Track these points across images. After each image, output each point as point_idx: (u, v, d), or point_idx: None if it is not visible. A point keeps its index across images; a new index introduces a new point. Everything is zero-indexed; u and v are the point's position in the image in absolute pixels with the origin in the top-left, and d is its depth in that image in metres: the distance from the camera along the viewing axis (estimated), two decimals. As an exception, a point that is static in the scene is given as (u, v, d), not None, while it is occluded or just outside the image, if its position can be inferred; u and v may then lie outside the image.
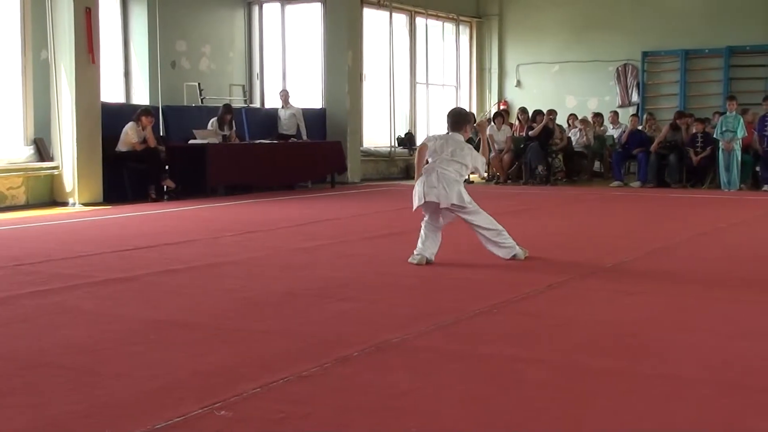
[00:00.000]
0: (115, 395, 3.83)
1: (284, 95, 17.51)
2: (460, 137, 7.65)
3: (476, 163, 7.74)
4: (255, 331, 5.04)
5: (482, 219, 7.52)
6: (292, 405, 3.68)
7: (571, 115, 20.05)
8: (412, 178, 19.81)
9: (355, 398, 3.80)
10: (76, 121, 13.20)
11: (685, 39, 20.67)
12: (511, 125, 19.36)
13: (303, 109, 17.60)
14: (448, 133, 7.74)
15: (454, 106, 8.16)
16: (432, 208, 7.49)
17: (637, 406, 3.69)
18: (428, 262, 7.36)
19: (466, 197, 7.43)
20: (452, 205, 7.37)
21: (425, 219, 7.57)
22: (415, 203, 7.54)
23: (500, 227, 7.57)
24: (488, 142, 8.06)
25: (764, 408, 3.70)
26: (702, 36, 20.45)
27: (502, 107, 21.89)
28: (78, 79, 13.20)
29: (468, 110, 7.91)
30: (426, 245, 7.43)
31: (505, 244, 7.53)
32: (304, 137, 17.15)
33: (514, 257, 7.50)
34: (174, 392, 3.86)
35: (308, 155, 16.57)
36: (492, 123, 18.98)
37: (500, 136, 18.33)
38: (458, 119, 7.78)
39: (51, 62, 13.34)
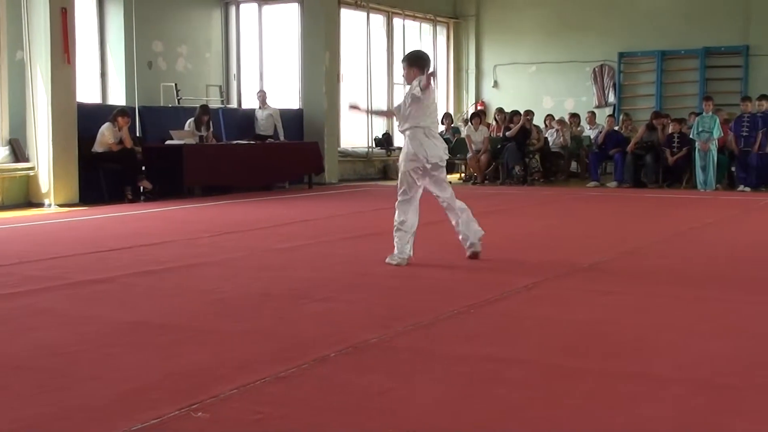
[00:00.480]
0: (89, 398, 3.81)
1: (261, 96, 17.47)
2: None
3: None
4: (232, 332, 5.03)
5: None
6: (270, 406, 3.68)
7: (548, 115, 20.11)
8: (391, 179, 19.83)
9: (332, 399, 3.79)
10: (51, 122, 13.12)
11: (661, 40, 20.79)
12: (488, 126, 19.39)
13: (280, 110, 17.57)
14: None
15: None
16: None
17: (612, 405, 3.71)
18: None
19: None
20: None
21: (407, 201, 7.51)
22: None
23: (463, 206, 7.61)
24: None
25: (737, 407, 3.72)
26: (678, 37, 20.57)
27: (479, 108, 21.93)
28: (54, 80, 13.12)
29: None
30: (407, 244, 7.42)
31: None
32: (282, 138, 17.13)
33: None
34: (150, 394, 3.84)
35: (285, 156, 16.53)
36: (470, 123, 19.04)
37: (477, 136, 18.35)
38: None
39: (26, 63, 13.25)
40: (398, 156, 20.13)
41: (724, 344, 4.74)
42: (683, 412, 3.61)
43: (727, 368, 4.27)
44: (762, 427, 3.49)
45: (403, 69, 7.54)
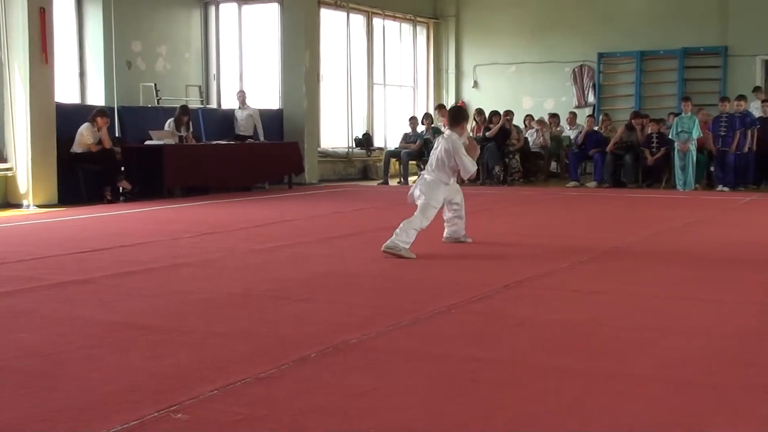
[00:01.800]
0: (70, 399, 3.80)
1: (241, 96, 17.43)
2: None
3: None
4: (212, 332, 5.02)
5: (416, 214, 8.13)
6: (250, 407, 3.67)
7: (527, 115, 20.17)
8: (370, 179, 19.85)
9: (313, 399, 3.79)
10: (30, 122, 13.06)
11: (640, 40, 20.88)
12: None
13: (260, 110, 17.54)
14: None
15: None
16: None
17: (592, 404, 3.73)
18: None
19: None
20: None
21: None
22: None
23: (416, 227, 7.92)
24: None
25: (717, 405, 3.74)
26: (657, 38, 20.68)
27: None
28: (32, 80, 13.06)
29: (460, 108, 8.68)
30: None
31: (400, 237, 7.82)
32: (261, 138, 17.10)
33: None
34: (130, 395, 3.83)
35: (265, 156, 16.51)
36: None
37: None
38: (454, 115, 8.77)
39: (4, 62, 13.18)
40: (378, 156, 20.14)
41: (705, 343, 4.78)
42: (665, 411, 3.63)
43: (707, 367, 4.30)
44: (742, 425, 3.52)
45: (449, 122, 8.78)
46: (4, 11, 13.11)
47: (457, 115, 8.81)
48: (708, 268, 7.41)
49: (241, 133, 17.06)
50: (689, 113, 16.08)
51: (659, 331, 5.07)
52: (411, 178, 19.14)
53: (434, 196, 8.16)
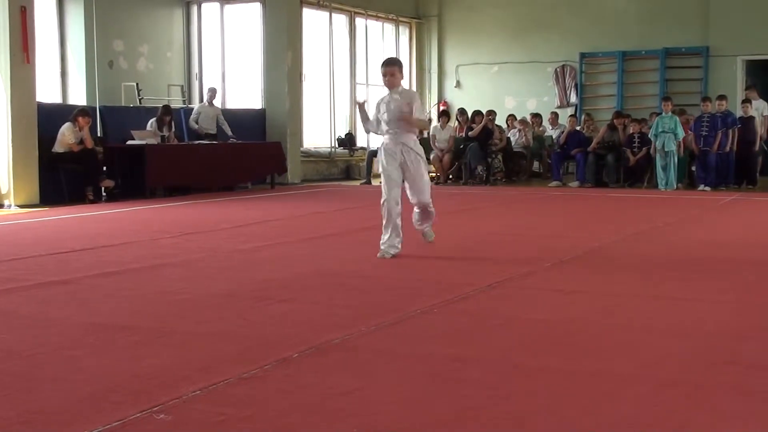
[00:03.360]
0: (50, 401, 3.78)
1: (212, 93, 17.16)
2: None
3: None
4: (194, 333, 5.01)
5: None
6: (233, 407, 3.66)
7: (510, 115, 20.21)
8: (353, 179, 19.82)
9: (296, 399, 3.79)
10: (11, 122, 12.99)
11: (622, 41, 20.96)
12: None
13: (242, 110, 17.44)
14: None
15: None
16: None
17: (575, 404, 3.73)
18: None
19: None
20: None
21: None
22: None
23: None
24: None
25: (699, 404, 3.76)
26: (639, 38, 20.77)
27: (441, 108, 21.99)
28: (13, 79, 12.99)
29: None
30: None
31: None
32: (230, 134, 16.86)
33: None
34: (112, 396, 3.81)
35: (248, 156, 16.47)
36: (437, 122, 19.15)
37: (443, 135, 18.42)
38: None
39: (-15, 62, 13.12)
40: (361, 155, 20.10)
41: (685, 343, 4.79)
42: (646, 411, 3.64)
43: (688, 366, 4.31)
44: (723, 423, 3.53)
45: (389, 73, 7.97)
46: (-16, 10, 13.04)
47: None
48: (688, 268, 7.43)
49: (208, 131, 16.77)
50: (669, 113, 16.14)
51: (641, 330, 5.09)
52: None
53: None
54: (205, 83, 18.84)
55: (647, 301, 6.00)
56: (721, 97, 16.44)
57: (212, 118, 16.86)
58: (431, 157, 18.50)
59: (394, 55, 8.49)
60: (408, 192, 7.99)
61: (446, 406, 3.70)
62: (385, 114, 7.89)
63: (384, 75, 7.94)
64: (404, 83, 7.85)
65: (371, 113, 8.02)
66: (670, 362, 4.38)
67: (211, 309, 5.72)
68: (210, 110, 16.93)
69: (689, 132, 16.58)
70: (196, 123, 16.67)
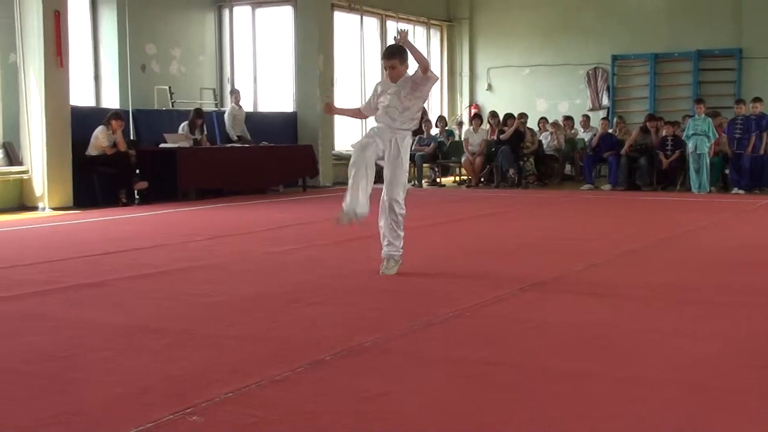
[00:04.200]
0: (84, 402, 3.81)
1: (237, 95, 17.11)
2: None
3: None
4: (226, 335, 5.03)
5: None
6: (264, 409, 3.68)
7: (541, 118, 20.15)
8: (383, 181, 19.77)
9: (327, 402, 3.79)
10: (45, 125, 13.12)
11: (654, 43, 20.83)
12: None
13: (275, 113, 17.47)
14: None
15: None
16: None
17: (605, 407, 3.72)
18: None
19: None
20: None
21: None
22: None
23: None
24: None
25: (729, 408, 3.73)
26: (671, 40, 20.62)
27: (473, 111, 21.96)
28: (47, 83, 13.12)
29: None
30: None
31: None
32: (248, 137, 16.90)
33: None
34: (144, 398, 3.84)
35: (280, 159, 16.51)
36: (470, 125, 19.15)
37: (476, 138, 18.41)
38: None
39: (20, 66, 13.24)
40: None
41: (716, 347, 4.75)
42: (676, 415, 3.62)
43: (720, 370, 4.28)
44: (752, 428, 3.50)
45: (389, 66, 7.09)
46: (19, 15, 13.17)
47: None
48: (722, 271, 7.38)
49: (240, 135, 16.75)
50: (702, 115, 16.02)
51: (672, 333, 5.06)
52: (424, 181, 19.16)
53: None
54: (236, 86, 18.91)
55: (680, 304, 5.96)
56: (756, 100, 16.30)
57: (242, 121, 16.92)
58: (462, 160, 18.50)
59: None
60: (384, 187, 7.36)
61: (477, 411, 3.70)
62: (385, 100, 7.15)
63: (384, 68, 7.21)
64: (410, 71, 6.97)
65: (362, 100, 7.57)
66: (702, 366, 4.35)
67: (242, 311, 5.74)
68: (240, 113, 16.98)
69: (723, 134, 16.46)
70: (233, 129, 16.74)
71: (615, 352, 4.65)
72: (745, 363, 4.42)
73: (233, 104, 16.99)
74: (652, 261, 7.99)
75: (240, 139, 16.67)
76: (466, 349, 4.68)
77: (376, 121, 7.25)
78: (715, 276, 7.16)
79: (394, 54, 7.06)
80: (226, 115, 16.79)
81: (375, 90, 7.33)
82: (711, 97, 18.91)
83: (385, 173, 7.27)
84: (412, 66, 7.06)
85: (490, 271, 7.38)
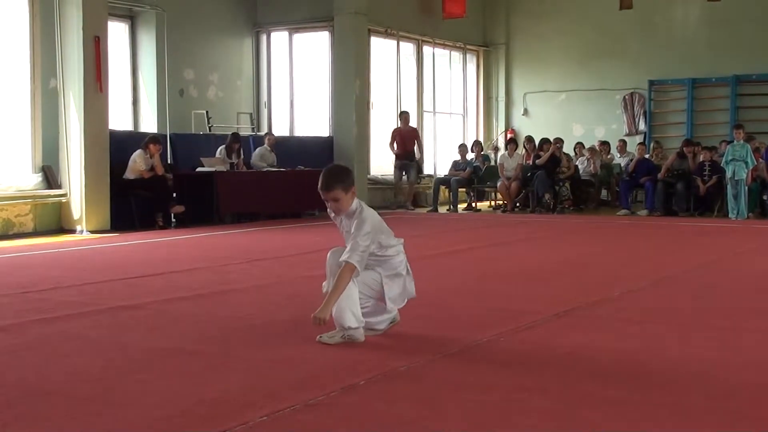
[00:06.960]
0: (120, 424, 3.82)
1: (274, 139, 16.92)
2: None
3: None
4: (261, 359, 5.03)
5: None
6: (298, 434, 3.67)
7: (578, 143, 20.10)
8: (420, 206, 19.73)
9: (361, 427, 3.78)
10: (84, 149, 13.26)
11: (691, 68, 20.73)
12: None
13: (310, 137, 17.53)
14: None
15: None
16: None
17: (643, 435, 3.68)
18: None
19: None
20: None
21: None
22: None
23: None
24: None
25: (772, 438, 3.68)
26: (708, 65, 20.52)
27: (509, 136, 21.95)
28: (86, 108, 13.27)
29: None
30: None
31: None
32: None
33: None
34: (180, 420, 3.85)
35: (316, 183, 16.41)
36: (505, 150, 19.15)
37: (511, 163, 18.41)
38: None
39: (60, 90, 13.42)
40: (428, 183, 20.02)
41: (754, 375, 4.69)
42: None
43: (760, 400, 4.23)
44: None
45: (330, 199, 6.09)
46: (60, 40, 13.35)
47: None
48: (760, 298, 7.30)
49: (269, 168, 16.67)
50: (741, 141, 15.91)
51: (711, 361, 5.00)
52: (461, 206, 19.13)
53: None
54: (273, 111, 19.02)
55: (718, 331, 5.90)
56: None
57: (266, 160, 16.75)
58: (498, 185, 18.47)
59: (331, 166, 6.43)
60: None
61: (512, 436, 3.67)
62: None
63: (326, 201, 6.10)
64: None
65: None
66: (741, 395, 4.30)
67: (277, 335, 5.75)
68: (270, 156, 16.68)
69: (761, 160, 16.33)
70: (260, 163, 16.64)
71: (652, 379, 4.61)
72: (785, 391, 4.37)
73: (267, 147, 16.67)
74: (689, 287, 7.92)
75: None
76: (501, 375, 4.66)
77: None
78: (754, 303, 7.09)
79: (329, 186, 6.24)
80: (255, 154, 16.62)
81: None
82: (748, 122, 18.74)
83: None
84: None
85: (525, 296, 7.35)
